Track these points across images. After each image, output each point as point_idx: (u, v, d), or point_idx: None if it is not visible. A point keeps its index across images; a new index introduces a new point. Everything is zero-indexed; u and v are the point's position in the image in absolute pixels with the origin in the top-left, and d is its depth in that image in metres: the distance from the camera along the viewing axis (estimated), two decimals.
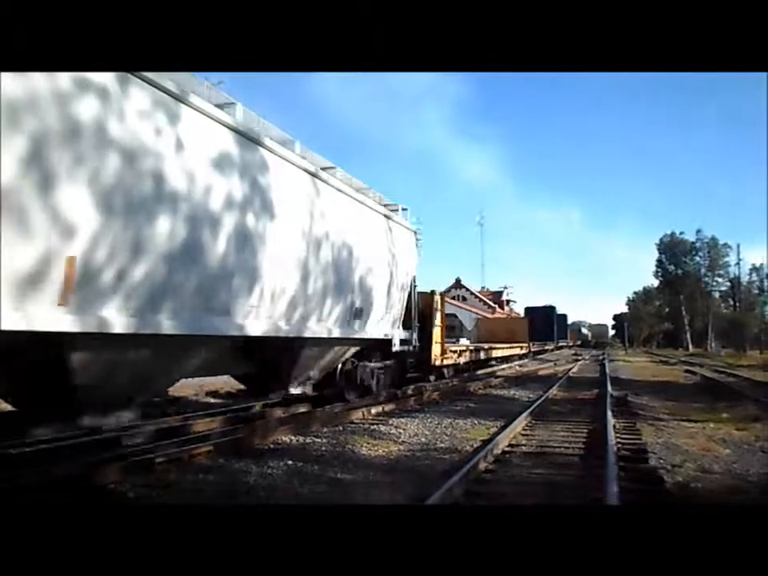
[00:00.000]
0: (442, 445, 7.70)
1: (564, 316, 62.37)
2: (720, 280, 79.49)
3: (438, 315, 15.15)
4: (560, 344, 55.67)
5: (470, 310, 49.45)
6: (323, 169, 9.00)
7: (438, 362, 15.43)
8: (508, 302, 75.99)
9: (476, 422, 9.68)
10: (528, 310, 53.03)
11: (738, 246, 67.03)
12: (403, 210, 12.61)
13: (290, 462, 6.41)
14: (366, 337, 10.62)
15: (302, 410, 10.07)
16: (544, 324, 45.05)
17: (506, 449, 7.25)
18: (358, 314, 10.04)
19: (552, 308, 52.99)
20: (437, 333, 15.07)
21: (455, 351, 17.86)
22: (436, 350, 15.05)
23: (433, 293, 15.27)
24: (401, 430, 8.71)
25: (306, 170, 8.34)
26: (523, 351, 31.69)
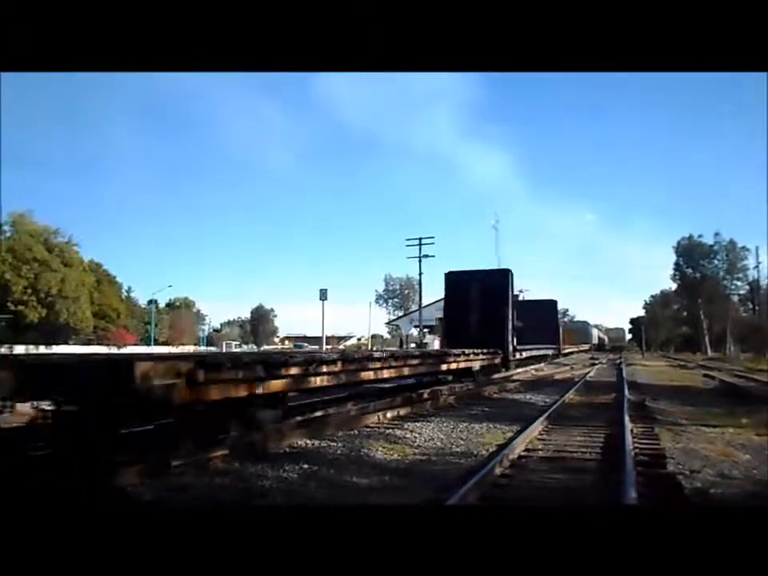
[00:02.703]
0: (458, 449, 7.67)
1: (551, 303, 38.67)
2: (739, 283, 78.60)
3: None
4: (530, 353, 27.83)
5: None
6: None
7: None
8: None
9: (492, 426, 9.64)
10: (452, 277, 24.40)
11: (757, 248, 66.02)
12: None
13: (305, 466, 6.42)
14: None
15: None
16: (487, 310, 21.79)
17: (523, 453, 7.20)
18: None
19: (504, 274, 23.38)
20: None
21: None
22: None
23: None
24: (416, 434, 8.70)
25: None
26: None
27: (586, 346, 65.89)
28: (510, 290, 23.24)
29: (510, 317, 22.36)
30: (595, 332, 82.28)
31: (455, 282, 24.06)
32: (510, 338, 22.07)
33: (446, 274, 24.48)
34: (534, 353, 29.56)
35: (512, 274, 23.45)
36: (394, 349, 29.86)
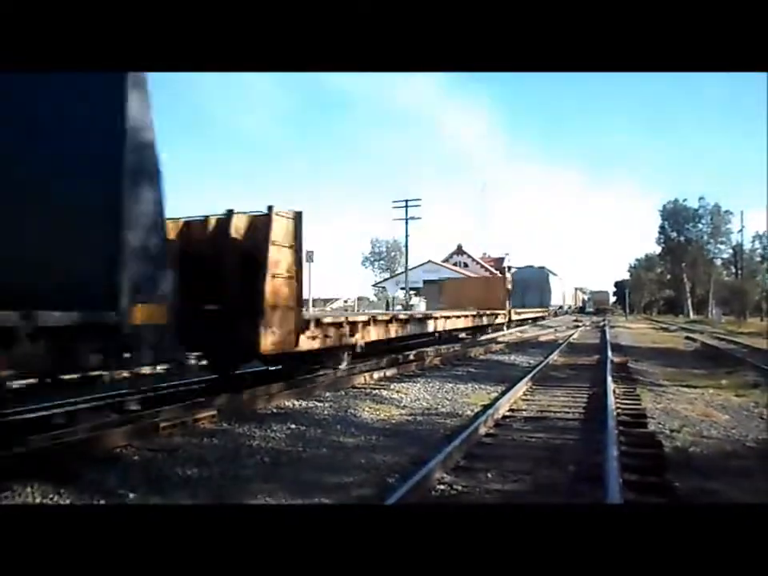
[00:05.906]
0: (444, 409, 7.78)
1: None
2: (722, 247, 79.06)
3: None
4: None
5: (472, 276, 48.27)
6: None
7: None
8: (509, 267, 74.29)
9: (477, 386, 9.76)
10: None
11: (742, 212, 66.64)
12: None
13: (293, 426, 6.49)
14: None
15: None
16: None
17: (507, 413, 7.32)
18: None
19: None
20: None
21: None
22: None
23: None
24: (402, 395, 8.80)
25: None
26: None
27: (542, 311, 43.04)
28: None
29: None
30: (565, 288, 63.00)
31: None
32: None
33: None
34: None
35: None
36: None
